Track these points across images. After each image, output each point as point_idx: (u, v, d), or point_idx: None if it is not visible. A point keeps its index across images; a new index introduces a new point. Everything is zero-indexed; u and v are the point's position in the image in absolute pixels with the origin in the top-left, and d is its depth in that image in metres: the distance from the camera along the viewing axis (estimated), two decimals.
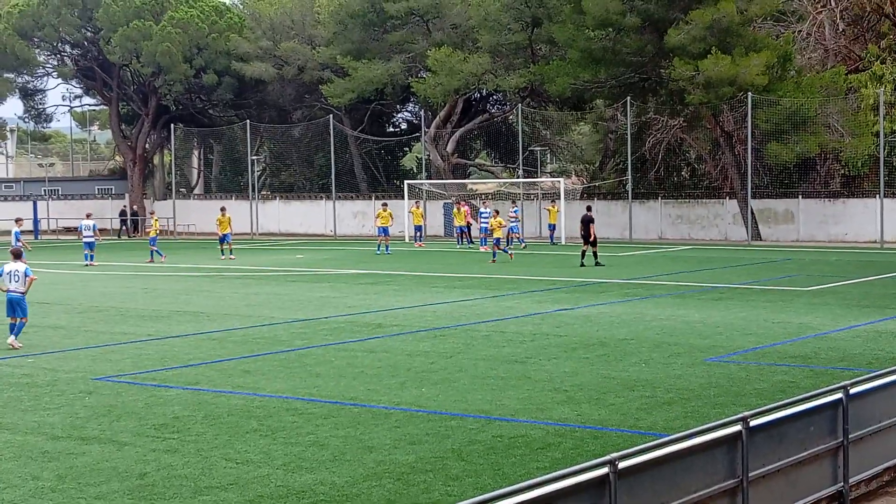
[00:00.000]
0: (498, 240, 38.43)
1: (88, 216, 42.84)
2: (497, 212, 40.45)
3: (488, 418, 13.22)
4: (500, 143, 69.31)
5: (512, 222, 46.33)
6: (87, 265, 39.60)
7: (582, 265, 34.88)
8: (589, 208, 37.86)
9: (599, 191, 56.35)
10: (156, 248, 42.10)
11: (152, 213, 47.68)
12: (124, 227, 65.67)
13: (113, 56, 63.05)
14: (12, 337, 19.79)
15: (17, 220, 40.94)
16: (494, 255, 38.03)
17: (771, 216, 49.57)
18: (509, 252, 39.04)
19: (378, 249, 43.73)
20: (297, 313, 23.98)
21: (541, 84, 53.55)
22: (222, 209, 44.18)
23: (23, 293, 19.80)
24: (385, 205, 46.96)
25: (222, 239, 42.50)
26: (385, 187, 65.70)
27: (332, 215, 59.40)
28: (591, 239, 35.17)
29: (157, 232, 43.76)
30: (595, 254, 35.33)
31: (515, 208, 47.50)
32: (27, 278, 19.83)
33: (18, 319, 19.88)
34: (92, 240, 40.85)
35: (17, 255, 20.37)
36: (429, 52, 54.06)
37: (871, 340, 18.73)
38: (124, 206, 67.67)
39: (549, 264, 37.54)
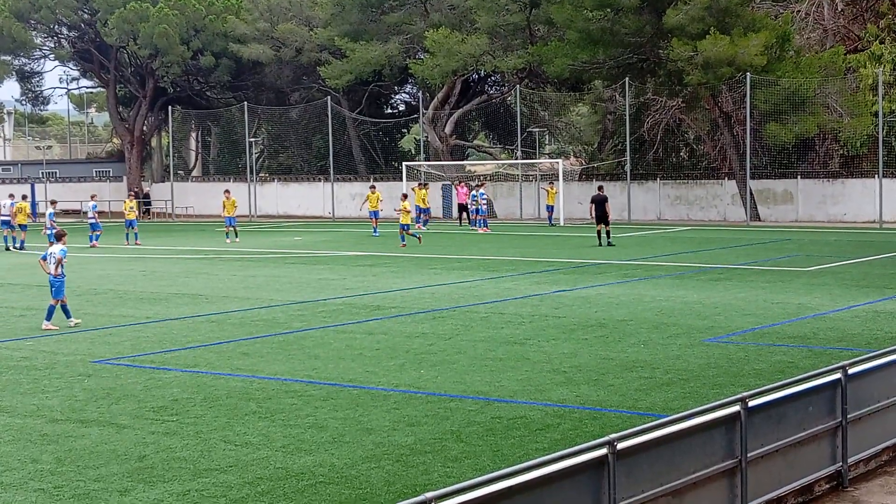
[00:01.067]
0: (406, 225, 37.75)
1: (93, 198, 43.02)
2: (406, 196, 40.03)
3: (487, 400, 13.23)
4: (498, 125, 69.18)
5: (472, 205, 46.71)
6: (90, 245, 39.67)
7: (599, 244, 35.05)
8: (601, 188, 38.06)
9: (598, 172, 56.30)
10: (134, 231, 41.87)
11: (131, 195, 47.59)
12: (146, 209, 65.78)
13: (110, 38, 62.85)
14: (47, 323, 19.90)
15: (52, 203, 41.01)
16: (403, 239, 37.63)
17: (770, 197, 49.53)
18: (417, 236, 38.25)
19: (375, 232, 43.70)
20: (295, 295, 23.98)
21: (539, 65, 53.41)
22: (226, 192, 44.07)
23: (55, 275, 19.91)
24: (373, 187, 46.93)
25: (229, 222, 42.20)
26: (383, 169, 65.63)
27: (330, 197, 59.33)
28: (608, 218, 35.56)
29: (135, 214, 43.49)
30: (608, 233, 35.52)
31: (482, 191, 47.21)
32: (56, 258, 19.98)
33: (58, 301, 20.02)
34: (92, 221, 41.00)
35: (59, 237, 20.61)
36: (426, 33, 53.89)
37: (870, 320, 18.73)
38: (137, 189, 67.51)
39: (548, 245, 37.53)
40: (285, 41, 61.26)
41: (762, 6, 49.38)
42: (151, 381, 14.74)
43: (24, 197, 41.60)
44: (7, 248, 39.64)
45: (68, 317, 20.01)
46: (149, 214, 65.54)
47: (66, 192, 66.06)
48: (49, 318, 19.85)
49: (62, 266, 20.00)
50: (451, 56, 52.69)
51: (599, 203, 35.96)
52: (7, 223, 40.72)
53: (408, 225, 38.00)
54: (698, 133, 55.64)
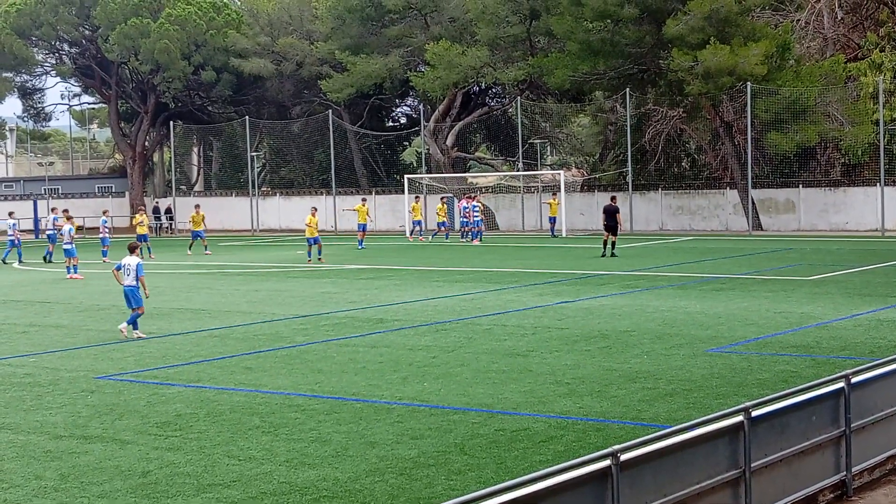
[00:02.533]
0: (315, 239, 37.37)
1: (105, 213, 43.51)
2: (315, 209, 39.91)
3: (490, 412, 13.22)
4: (499, 137, 69.23)
5: (462, 216, 47.29)
6: (103, 261, 39.82)
7: (603, 255, 35.07)
8: (613, 199, 38.08)
9: (600, 182, 56.33)
10: (147, 245, 42.53)
11: (141, 210, 47.90)
12: (170, 224, 65.81)
13: (111, 54, 63.02)
14: (125, 324, 20.37)
15: (69, 218, 41.48)
16: (310, 255, 37.48)
17: (772, 206, 49.54)
18: (320, 258, 37.26)
19: (361, 244, 44.03)
20: (298, 309, 23.98)
21: (540, 76, 53.48)
22: (196, 206, 45.12)
23: (135, 286, 20.32)
24: (364, 200, 47.32)
25: (195, 235, 43.74)
26: (385, 182, 65.66)
27: (332, 211, 59.36)
28: (617, 230, 35.61)
29: (147, 229, 44.39)
30: (614, 244, 35.54)
31: (475, 203, 47.19)
32: (139, 277, 20.33)
33: (133, 310, 20.38)
34: (102, 236, 41.48)
35: (131, 250, 21.09)
36: (427, 45, 54.01)
37: (873, 329, 18.72)
38: (157, 203, 67.55)
39: (550, 257, 37.53)
40: (286, 55, 61.39)
41: (762, 16, 49.44)
42: (155, 397, 14.74)
43: (65, 211, 42.47)
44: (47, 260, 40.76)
45: (135, 328, 20.36)
46: (171, 230, 65.07)
47: (69, 208, 65.91)
48: (136, 326, 20.28)
49: (138, 277, 20.34)
50: (451, 68, 52.78)
51: (610, 213, 36.01)
52: (53, 238, 42.02)
53: (315, 238, 37.55)
54: (699, 143, 55.69)
